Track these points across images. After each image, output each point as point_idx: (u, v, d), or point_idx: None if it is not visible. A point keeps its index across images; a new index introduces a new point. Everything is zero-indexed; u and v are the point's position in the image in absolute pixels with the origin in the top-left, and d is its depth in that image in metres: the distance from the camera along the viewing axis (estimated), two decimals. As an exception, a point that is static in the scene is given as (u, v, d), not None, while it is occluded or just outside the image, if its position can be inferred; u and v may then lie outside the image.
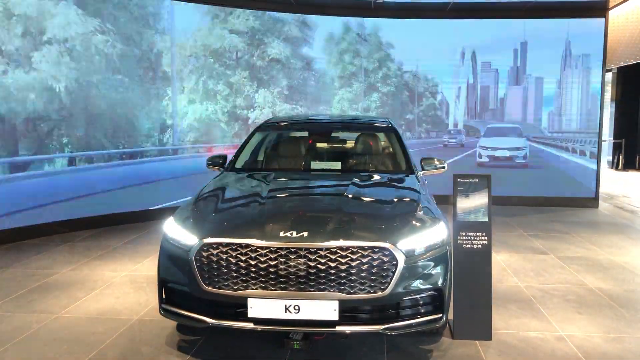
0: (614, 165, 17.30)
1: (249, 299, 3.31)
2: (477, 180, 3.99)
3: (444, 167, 5.00)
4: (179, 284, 3.53)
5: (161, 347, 3.75)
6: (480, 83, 10.43)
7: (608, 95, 17.49)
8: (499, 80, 10.37)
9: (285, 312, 3.29)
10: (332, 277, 3.28)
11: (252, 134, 5.32)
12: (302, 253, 3.29)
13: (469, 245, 3.93)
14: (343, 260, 3.29)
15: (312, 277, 3.28)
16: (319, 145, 5.45)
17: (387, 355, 3.65)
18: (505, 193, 9.75)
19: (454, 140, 10.76)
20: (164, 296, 3.65)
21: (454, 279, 3.89)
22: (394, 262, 3.33)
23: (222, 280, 3.36)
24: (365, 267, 3.30)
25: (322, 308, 3.29)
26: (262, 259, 3.31)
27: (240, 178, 4.57)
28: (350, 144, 5.53)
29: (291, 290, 3.29)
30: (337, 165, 4.94)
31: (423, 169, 4.97)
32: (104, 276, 5.39)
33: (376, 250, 3.33)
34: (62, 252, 6.41)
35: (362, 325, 3.36)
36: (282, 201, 3.94)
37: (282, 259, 3.30)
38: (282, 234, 3.36)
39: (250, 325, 3.36)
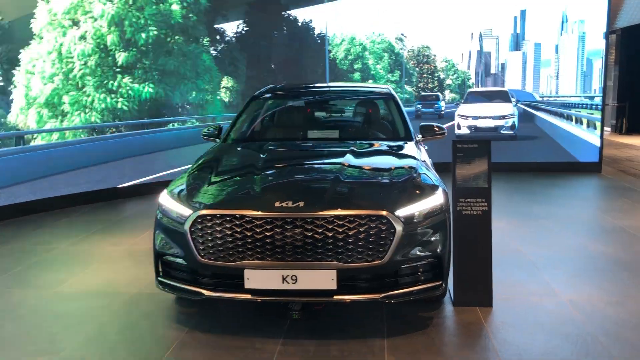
0: (618, 129, 17.14)
1: (245, 270, 3.28)
2: (476, 145, 3.91)
3: (443, 133, 4.91)
4: (174, 257, 3.50)
5: (159, 321, 3.73)
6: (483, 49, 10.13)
7: (611, 58, 17.23)
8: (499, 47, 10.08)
9: (283, 282, 3.26)
10: (330, 247, 3.24)
11: (248, 104, 5.23)
12: (298, 223, 3.24)
13: (469, 212, 3.87)
14: (340, 230, 3.24)
15: (309, 247, 3.24)
16: (316, 114, 5.36)
17: (387, 323, 3.62)
18: (502, 159, 9.56)
19: (430, 110, 9.45)
20: (160, 269, 3.62)
21: (453, 246, 3.85)
22: (392, 230, 3.28)
23: (218, 251, 3.32)
24: (362, 235, 3.25)
25: (319, 278, 3.25)
26: (258, 230, 3.27)
27: (236, 149, 4.49)
28: (348, 112, 5.44)
29: (288, 261, 3.25)
30: (335, 133, 4.86)
31: (423, 136, 4.89)
32: (103, 250, 5.37)
33: (373, 218, 3.27)
34: (62, 226, 6.39)
35: (361, 294, 3.33)
36: (278, 171, 3.88)
37: (278, 230, 3.25)
38: (277, 204, 3.30)
39: (247, 296, 3.33)
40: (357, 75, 8.54)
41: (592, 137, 9.41)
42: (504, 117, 9.36)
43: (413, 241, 3.37)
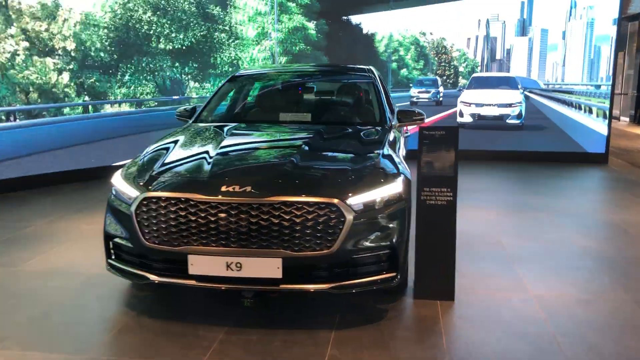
0: (636, 119, 16.63)
1: (189, 256, 3.18)
2: (443, 132, 3.73)
3: (422, 119, 4.73)
4: (123, 239, 3.41)
5: (110, 303, 3.66)
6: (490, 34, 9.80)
7: (634, 46, 16.66)
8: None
9: (227, 269, 3.15)
10: (275, 234, 3.12)
11: (223, 85, 5.10)
12: (243, 209, 3.12)
13: (433, 202, 3.71)
14: (287, 217, 3.11)
15: (254, 234, 3.12)
16: (290, 96, 5.20)
17: (341, 314, 3.50)
18: (506, 147, 9.25)
19: (425, 96, 8.95)
20: (110, 251, 3.54)
21: (416, 236, 3.71)
22: (342, 219, 3.14)
23: (162, 235, 3.22)
24: (310, 223, 3.12)
25: (264, 266, 3.14)
26: (203, 215, 3.16)
27: (201, 130, 4.36)
28: (323, 95, 5.28)
29: (233, 247, 3.14)
30: (307, 117, 4.71)
31: (400, 121, 4.71)
32: (78, 229, 5.33)
33: (322, 206, 3.14)
34: (44, 204, 6.37)
35: (308, 284, 3.21)
36: (233, 154, 3.74)
37: (222, 215, 3.13)
38: (224, 188, 3.19)
39: (191, 282, 3.23)
40: (394, 64, 9.77)
41: (602, 127, 9.05)
42: (510, 105, 8.87)
43: (366, 230, 3.23)
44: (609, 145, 9.46)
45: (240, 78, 5.20)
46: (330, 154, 3.79)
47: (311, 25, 9.02)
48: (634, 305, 3.65)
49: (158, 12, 8.44)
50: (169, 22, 8.55)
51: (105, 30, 8.20)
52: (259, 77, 5.38)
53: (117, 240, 3.45)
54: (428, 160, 3.72)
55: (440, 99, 9.14)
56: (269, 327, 3.32)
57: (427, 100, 9.03)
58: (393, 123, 4.62)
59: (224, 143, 3.88)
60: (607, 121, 9.12)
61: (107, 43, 8.26)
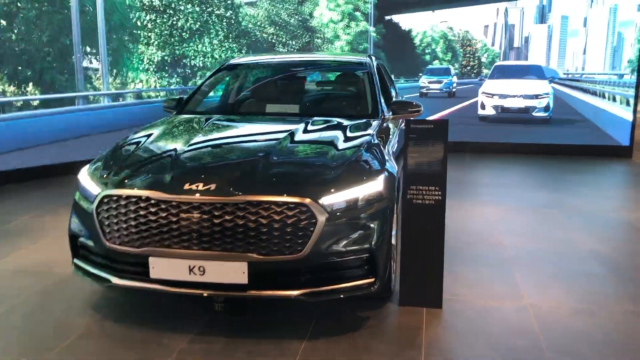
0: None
1: (150, 258, 2.96)
2: (432, 126, 3.45)
3: (418, 111, 4.42)
4: (86, 239, 3.22)
5: (76, 306, 3.47)
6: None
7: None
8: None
9: (190, 273, 2.93)
10: (240, 236, 2.88)
11: (212, 75, 4.86)
12: (206, 208, 2.89)
13: (420, 201, 3.43)
14: (252, 218, 2.87)
15: (217, 236, 2.89)
16: (280, 86, 4.93)
17: (316, 322, 3.26)
18: (524, 140, 8.83)
19: (436, 87, 8.54)
20: (75, 251, 3.35)
21: (402, 238, 3.44)
22: (313, 220, 2.89)
23: (123, 236, 3.01)
24: (278, 225, 2.87)
25: (229, 270, 2.91)
26: (163, 215, 2.93)
27: (179, 123, 4.13)
28: (314, 86, 5.00)
29: (195, 250, 2.91)
30: (295, 108, 4.45)
31: (395, 113, 4.41)
32: (63, 225, 5.16)
33: (292, 206, 2.89)
34: (33, 197, 6.25)
35: (276, 290, 2.97)
36: (203, 149, 3.48)
37: (184, 215, 2.91)
38: (186, 186, 2.96)
39: (153, 286, 3.02)
40: (427, 57, 10.49)
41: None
42: (537, 96, 8.30)
43: (341, 233, 2.98)
44: (634, 137, 8.99)
45: (231, 67, 4.96)
46: (309, 149, 3.52)
47: (372, 28, 10.53)
48: (640, 317, 3.33)
49: (277, 27, 11.55)
50: (284, 33, 11.48)
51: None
52: (250, 66, 5.12)
53: (81, 239, 3.26)
54: (415, 156, 3.44)
55: (454, 89, 8.59)
56: (237, 335, 3.10)
57: (438, 91, 8.48)
58: (387, 115, 4.33)
59: (197, 137, 3.64)
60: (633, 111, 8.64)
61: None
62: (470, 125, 8.76)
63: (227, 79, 4.94)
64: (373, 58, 5.08)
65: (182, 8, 9.91)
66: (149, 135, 3.74)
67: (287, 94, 4.81)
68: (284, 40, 11.43)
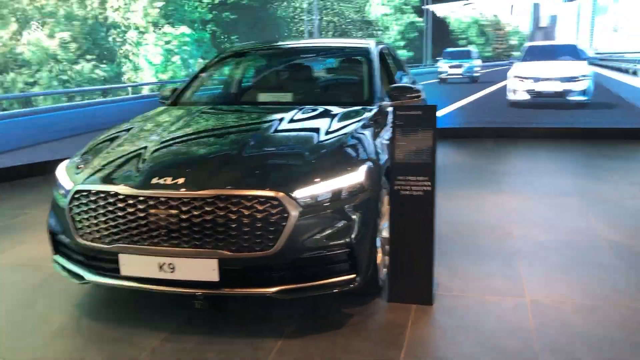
0: None
1: (120, 255, 2.89)
2: (420, 112, 3.24)
3: (418, 96, 4.19)
4: (62, 235, 3.17)
5: (59, 302, 3.42)
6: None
7: None
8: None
9: (160, 270, 2.84)
10: (209, 232, 2.76)
11: (209, 64, 4.74)
12: (174, 203, 2.78)
13: (408, 192, 3.23)
14: (221, 213, 2.75)
15: (186, 232, 2.78)
16: (276, 75, 4.78)
17: (300, 317, 3.12)
18: (555, 124, 8.38)
19: (457, 72, 7.73)
20: (55, 247, 3.31)
21: (390, 231, 3.26)
22: (284, 215, 2.74)
23: (94, 232, 2.95)
24: (248, 220, 2.74)
25: (199, 267, 2.80)
26: (131, 210, 2.84)
27: (166, 114, 4.02)
28: (310, 73, 4.81)
29: (164, 247, 2.81)
30: (289, 97, 4.29)
31: (393, 99, 4.19)
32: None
33: (262, 200, 2.75)
34: (46, 191, 6.29)
35: (250, 288, 2.85)
36: (179, 142, 3.36)
37: (151, 210, 2.81)
38: (155, 180, 2.86)
39: (125, 283, 2.95)
40: (463, 41, 10.79)
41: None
42: (574, 78, 7.68)
43: (317, 227, 2.83)
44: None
45: (228, 56, 4.83)
46: (288, 139, 3.36)
47: (420, 19, 11.40)
48: (650, 314, 3.06)
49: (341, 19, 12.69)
50: (350, 26, 12.67)
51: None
52: (248, 54, 4.97)
53: (59, 235, 3.21)
54: (403, 145, 3.24)
55: (477, 74, 7.99)
56: (211, 333, 2.99)
57: (459, 76, 7.86)
58: (384, 102, 4.12)
59: (177, 129, 3.54)
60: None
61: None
62: (497, 112, 8.33)
63: (225, 68, 4.81)
64: (374, 43, 4.80)
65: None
66: (129, 129, 3.65)
67: (282, 83, 4.65)
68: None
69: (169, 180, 2.84)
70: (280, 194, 2.75)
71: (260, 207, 2.74)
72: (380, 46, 4.84)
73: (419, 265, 3.25)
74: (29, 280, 3.77)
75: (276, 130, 3.40)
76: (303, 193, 2.80)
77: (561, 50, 7.96)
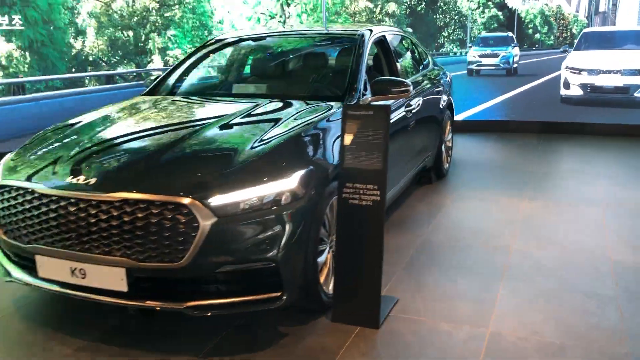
0: None
1: (36, 256, 2.75)
2: (372, 112, 2.87)
3: (405, 91, 3.78)
4: None
5: (11, 304, 3.32)
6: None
7: None
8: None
9: (72, 275, 2.67)
10: (116, 239, 2.56)
11: (194, 53, 4.52)
12: (82, 205, 2.60)
13: (357, 201, 2.89)
14: (128, 218, 2.53)
15: (95, 237, 2.59)
16: (256, 64, 4.47)
17: (229, 333, 2.87)
18: (599, 120, 7.44)
19: (490, 62, 6.62)
20: None
21: (337, 244, 2.94)
22: (195, 224, 2.49)
23: (15, 230, 2.83)
24: (156, 228, 2.51)
25: (108, 276, 2.61)
26: (45, 210, 2.69)
27: (127, 106, 3.81)
28: (290, 64, 4.47)
29: (76, 251, 2.64)
30: (263, 88, 4.01)
31: (375, 94, 3.80)
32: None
33: (171, 207, 2.51)
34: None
35: (160, 301, 2.62)
36: (112, 138, 3.15)
37: (62, 212, 2.64)
38: (68, 179, 2.69)
39: (43, 285, 2.81)
40: (530, 31, 10.85)
41: None
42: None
43: (236, 239, 2.57)
44: None
45: (213, 44, 4.58)
46: (227, 139, 3.07)
47: (500, 13, 11.21)
48: (628, 361, 2.58)
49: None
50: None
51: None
52: (232, 43, 4.70)
53: None
54: (352, 149, 2.90)
55: (515, 65, 6.87)
56: (130, 345, 2.79)
57: (492, 67, 6.69)
58: (366, 97, 3.75)
59: (120, 124, 3.36)
60: None
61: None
62: (541, 111, 7.50)
63: (206, 56, 4.55)
64: (368, 33, 4.26)
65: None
66: (79, 121, 3.49)
67: (261, 73, 4.34)
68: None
69: (81, 180, 2.66)
70: (190, 201, 2.50)
71: (169, 215, 2.51)
72: (377, 34, 4.41)
73: (365, 284, 2.91)
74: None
75: (220, 128, 3.14)
76: (220, 200, 2.54)
77: (624, 37, 6.97)
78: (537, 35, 11.28)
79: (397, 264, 3.67)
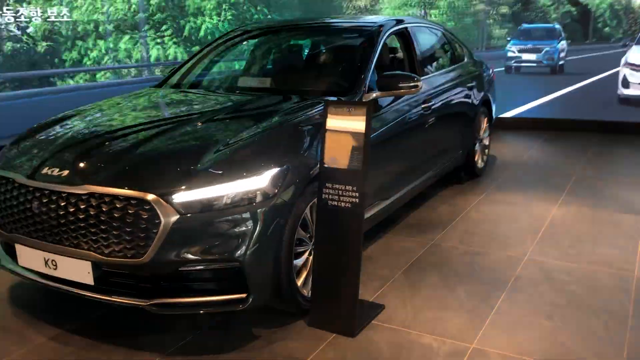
0: None
1: (16, 245, 2.80)
2: (352, 109, 2.71)
3: (413, 87, 3.57)
4: None
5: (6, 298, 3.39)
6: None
7: None
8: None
9: (45, 266, 2.70)
10: (83, 232, 2.55)
11: (210, 44, 4.47)
12: (53, 197, 2.61)
13: (335, 203, 2.74)
14: (93, 212, 2.52)
15: (64, 229, 2.60)
16: (266, 57, 4.37)
17: (199, 333, 2.82)
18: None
19: (532, 57, 5.95)
20: None
21: (315, 247, 2.82)
22: (156, 221, 2.44)
23: (1, 217, 2.88)
24: (119, 223, 2.48)
25: (75, 268, 2.63)
26: (21, 200, 2.73)
27: (132, 98, 3.81)
28: (300, 58, 4.32)
29: (48, 242, 2.66)
30: (267, 82, 3.91)
31: (382, 90, 3.62)
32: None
33: (133, 202, 2.47)
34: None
35: (123, 297, 2.59)
36: (98, 131, 3.14)
37: (36, 203, 2.66)
38: (44, 170, 2.71)
39: (23, 273, 2.86)
40: (599, 24, 10.48)
41: None
42: None
43: (200, 237, 2.51)
44: None
45: (231, 37, 4.52)
46: (206, 134, 2.99)
47: (573, 8, 10.58)
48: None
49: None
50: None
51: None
52: (246, 34, 4.61)
53: None
54: (332, 147, 2.75)
55: (561, 62, 6.15)
56: (101, 338, 2.78)
57: (533, 65, 5.92)
58: (374, 92, 3.57)
59: (114, 116, 3.35)
60: None
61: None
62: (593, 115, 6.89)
63: (219, 49, 4.49)
64: (386, 25, 4.05)
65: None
66: (71, 115, 3.51)
67: (270, 66, 4.25)
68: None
69: (55, 172, 2.67)
70: (153, 197, 2.44)
71: (131, 210, 2.47)
72: (398, 27, 4.20)
73: (342, 290, 2.77)
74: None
75: (202, 123, 3.08)
76: (184, 197, 2.47)
77: None
78: (607, 29, 10.55)
79: (397, 268, 3.50)
